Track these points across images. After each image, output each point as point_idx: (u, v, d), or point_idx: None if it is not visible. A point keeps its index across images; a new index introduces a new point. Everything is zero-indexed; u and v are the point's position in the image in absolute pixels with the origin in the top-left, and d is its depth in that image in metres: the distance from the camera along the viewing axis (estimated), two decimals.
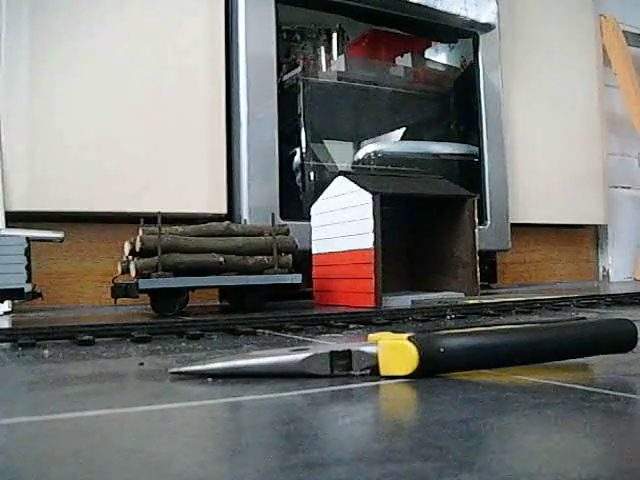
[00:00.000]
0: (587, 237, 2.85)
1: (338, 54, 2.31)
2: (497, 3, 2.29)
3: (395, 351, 0.59)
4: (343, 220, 1.51)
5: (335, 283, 1.53)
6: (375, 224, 1.41)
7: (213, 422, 0.48)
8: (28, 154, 1.60)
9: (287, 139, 1.97)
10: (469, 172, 2.32)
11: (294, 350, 0.62)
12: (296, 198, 2.01)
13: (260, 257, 1.41)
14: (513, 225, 2.32)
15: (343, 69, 2.25)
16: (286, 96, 2.01)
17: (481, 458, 0.36)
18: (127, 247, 1.38)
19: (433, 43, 2.55)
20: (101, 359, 0.78)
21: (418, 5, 2.12)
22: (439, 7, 2.15)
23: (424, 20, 2.21)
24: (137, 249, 1.33)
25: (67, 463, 0.36)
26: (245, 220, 1.74)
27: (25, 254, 1.16)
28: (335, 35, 2.32)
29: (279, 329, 1.03)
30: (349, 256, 1.48)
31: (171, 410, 0.50)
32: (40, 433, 0.44)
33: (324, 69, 2.26)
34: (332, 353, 0.61)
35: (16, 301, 1.45)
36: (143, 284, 1.29)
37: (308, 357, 0.60)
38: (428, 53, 2.57)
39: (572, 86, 2.61)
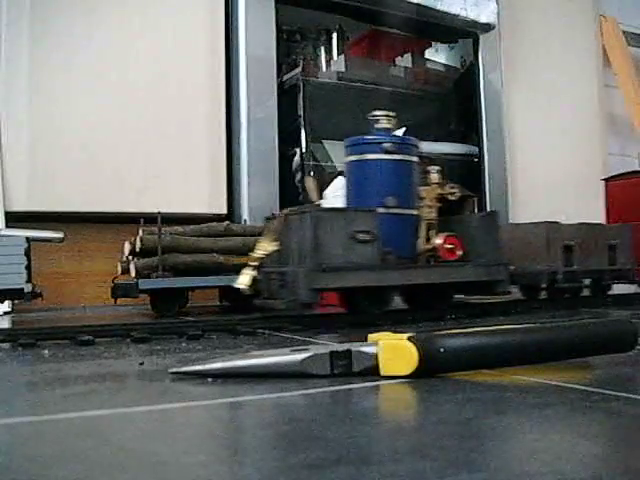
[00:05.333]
0: None
1: (338, 54, 2.31)
2: (497, 3, 2.29)
3: (395, 351, 0.59)
4: None
5: None
6: None
7: (213, 422, 0.48)
8: (28, 154, 1.60)
9: (287, 139, 1.97)
10: (469, 172, 2.32)
11: (294, 350, 0.62)
12: (296, 198, 2.01)
13: None
14: None
15: (343, 69, 2.25)
16: (286, 96, 2.01)
17: (481, 458, 0.36)
18: (127, 247, 1.38)
19: (433, 43, 2.55)
20: (101, 359, 0.78)
21: (418, 5, 2.12)
22: (439, 7, 2.15)
23: (424, 20, 2.21)
24: (137, 249, 1.33)
25: (67, 463, 0.36)
26: (245, 220, 1.74)
27: (25, 254, 1.16)
28: (335, 35, 2.32)
29: (279, 329, 1.03)
30: None
31: (171, 410, 0.50)
32: (40, 433, 0.44)
33: (324, 69, 2.26)
34: (332, 353, 0.61)
35: (16, 301, 1.45)
36: (143, 284, 1.29)
37: (308, 357, 0.60)
38: (428, 53, 2.57)
39: (572, 86, 2.61)
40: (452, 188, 1.27)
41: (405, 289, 1.26)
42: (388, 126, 1.26)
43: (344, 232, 1.08)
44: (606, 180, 1.98)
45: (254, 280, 1.12)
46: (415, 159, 1.25)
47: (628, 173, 1.93)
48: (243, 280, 1.12)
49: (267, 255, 1.13)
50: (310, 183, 1.27)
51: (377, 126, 1.27)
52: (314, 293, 1.04)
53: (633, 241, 1.56)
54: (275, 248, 1.13)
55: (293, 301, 1.06)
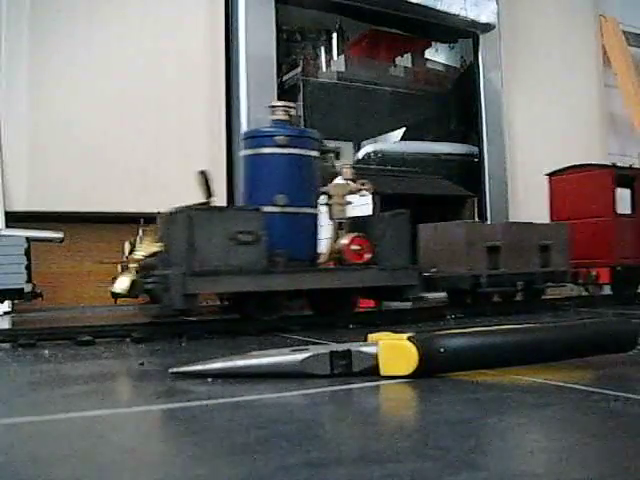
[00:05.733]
0: None
1: (338, 54, 2.31)
2: (497, 3, 2.29)
3: (395, 351, 0.59)
4: None
5: None
6: None
7: (213, 422, 0.48)
8: (28, 155, 1.60)
9: None
10: (469, 172, 2.32)
11: (294, 350, 0.62)
12: None
13: None
14: None
15: (343, 69, 2.25)
16: (286, 96, 2.01)
17: (481, 458, 0.36)
18: (127, 247, 1.38)
19: (433, 43, 2.55)
20: (101, 359, 0.78)
21: (418, 5, 2.12)
22: (439, 7, 2.16)
23: (424, 20, 2.21)
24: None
25: (67, 463, 0.36)
26: None
27: (25, 254, 1.16)
28: (335, 35, 2.32)
29: (280, 329, 1.03)
30: None
31: (171, 410, 0.50)
32: (40, 433, 0.44)
33: (324, 69, 2.26)
34: (332, 353, 0.61)
35: (16, 301, 1.45)
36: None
37: (308, 357, 0.60)
38: (428, 53, 2.57)
39: (572, 86, 2.61)
40: (363, 185, 1.16)
41: (305, 294, 1.15)
42: (284, 118, 1.13)
43: (223, 233, 0.99)
44: (550, 175, 1.80)
45: (134, 283, 1.01)
46: (315, 154, 1.14)
47: (571, 167, 1.72)
48: (121, 284, 1.02)
49: (148, 257, 1.03)
50: (199, 179, 1.09)
51: (272, 117, 1.14)
52: (188, 299, 0.94)
53: (571, 241, 1.43)
54: (157, 249, 1.03)
55: (167, 307, 0.95)
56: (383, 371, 0.60)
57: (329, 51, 2.30)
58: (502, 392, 0.53)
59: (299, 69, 2.12)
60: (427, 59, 2.55)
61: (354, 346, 0.62)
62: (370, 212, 1.43)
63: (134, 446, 0.40)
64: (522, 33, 2.49)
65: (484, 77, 2.32)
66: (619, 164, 1.68)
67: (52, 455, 0.38)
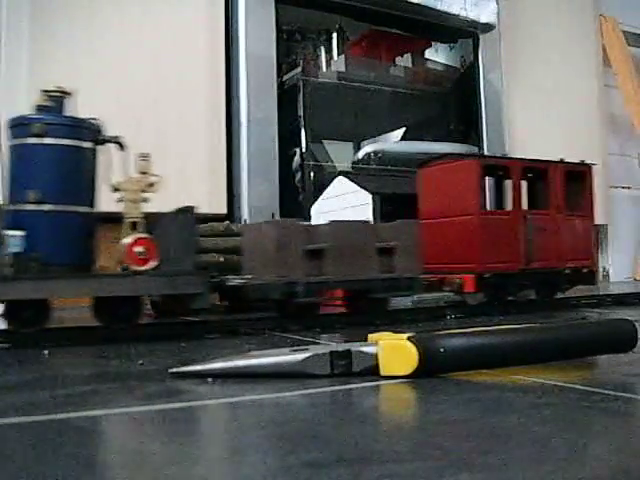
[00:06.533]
0: None
1: (338, 54, 2.31)
2: (497, 3, 2.29)
3: (395, 351, 0.59)
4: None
5: None
6: None
7: (213, 422, 0.48)
8: None
9: (287, 139, 1.97)
10: None
11: (294, 350, 0.62)
12: (296, 198, 2.01)
13: None
14: None
15: (343, 69, 2.25)
16: (286, 96, 2.01)
17: (481, 458, 0.36)
18: None
19: (433, 43, 2.55)
20: (101, 359, 0.78)
21: (418, 5, 2.12)
22: (439, 7, 2.16)
23: (424, 20, 2.21)
24: None
25: (67, 463, 0.36)
26: (245, 220, 1.74)
27: None
28: (335, 35, 2.32)
29: (279, 329, 1.03)
30: None
31: (171, 410, 0.50)
32: (40, 433, 0.44)
33: (324, 69, 2.26)
34: (332, 353, 0.61)
35: None
36: None
37: (308, 357, 0.60)
38: (428, 53, 2.57)
39: (572, 86, 2.61)
40: (154, 176, 1.04)
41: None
42: (48, 103, 0.99)
43: None
44: (418, 167, 1.51)
45: None
46: (87, 145, 1.02)
47: (439, 157, 1.48)
48: None
49: None
50: None
51: (37, 104, 1.00)
52: None
53: (422, 242, 1.22)
54: None
55: None
56: (383, 371, 0.60)
57: (329, 51, 2.30)
58: (502, 392, 0.53)
59: (299, 69, 2.12)
60: (427, 59, 2.55)
61: (354, 346, 0.62)
62: (370, 213, 1.42)
63: (134, 446, 0.40)
64: (522, 33, 2.49)
65: (484, 77, 2.32)
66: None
67: (52, 455, 0.38)
